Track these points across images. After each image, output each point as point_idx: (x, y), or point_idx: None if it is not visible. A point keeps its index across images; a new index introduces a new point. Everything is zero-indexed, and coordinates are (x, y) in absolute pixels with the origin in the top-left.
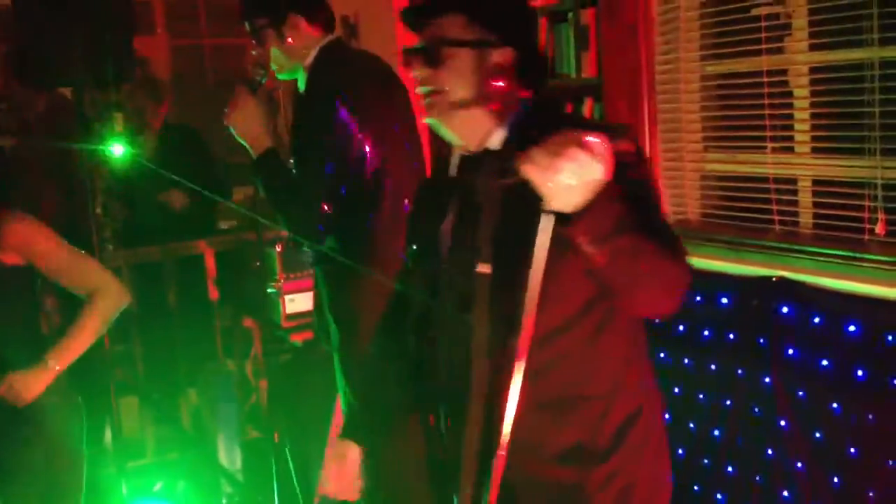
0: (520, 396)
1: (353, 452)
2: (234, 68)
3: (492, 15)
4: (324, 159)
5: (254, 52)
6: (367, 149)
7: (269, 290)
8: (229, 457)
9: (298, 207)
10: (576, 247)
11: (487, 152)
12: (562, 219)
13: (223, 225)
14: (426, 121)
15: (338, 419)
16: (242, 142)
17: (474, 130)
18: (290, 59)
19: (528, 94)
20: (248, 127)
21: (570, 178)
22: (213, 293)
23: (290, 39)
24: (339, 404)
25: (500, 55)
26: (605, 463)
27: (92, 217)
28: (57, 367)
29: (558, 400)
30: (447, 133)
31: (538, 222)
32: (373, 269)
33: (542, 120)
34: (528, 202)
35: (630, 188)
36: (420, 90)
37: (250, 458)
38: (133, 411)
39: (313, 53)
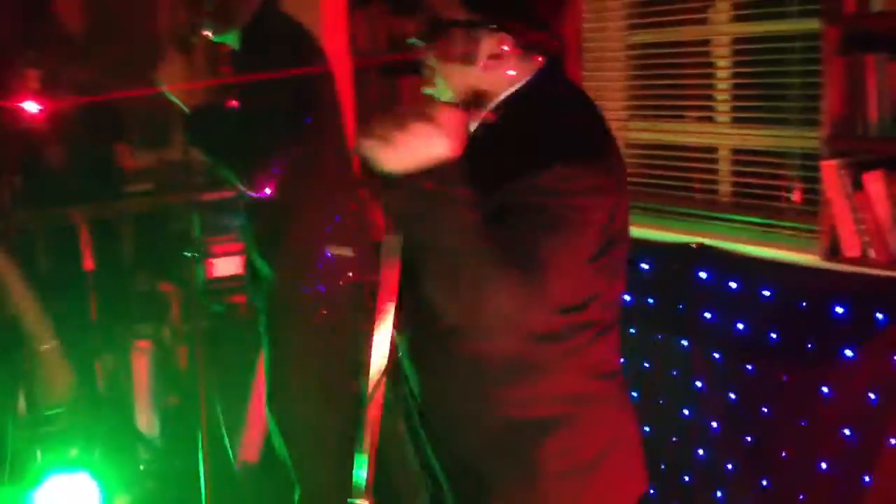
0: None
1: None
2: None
3: None
4: (279, 108)
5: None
6: (316, 101)
7: (189, 254)
8: (147, 423)
9: (244, 156)
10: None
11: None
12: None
13: (136, 188)
14: (425, 91)
15: (260, 384)
16: (174, 98)
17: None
18: (225, 16)
19: (532, 68)
20: (183, 86)
21: (408, 151)
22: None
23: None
24: (262, 369)
25: (494, 40)
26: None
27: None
28: None
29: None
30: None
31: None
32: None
33: (522, 116)
34: None
35: (521, 196)
36: (426, 85)
37: (169, 425)
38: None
39: (248, 11)
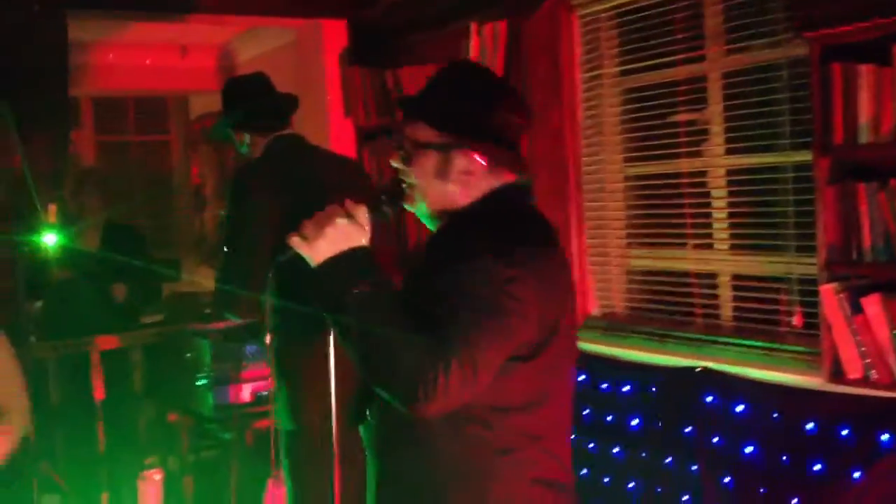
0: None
1: None
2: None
3: (452, 121)
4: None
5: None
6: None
7: (198, 382)
8: None
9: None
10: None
11: (432, 237)
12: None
13: (147, 320)
14: (406, 207)
15: None
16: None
17: (437, 219)
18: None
19: (499, 182)
20: None
21: (331, 241)
22: (138, 385)
23: (246, 147)
24: (269, 495)
25: (465, 156)
26: None
27: (21, 309)
28: None
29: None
30: (422, 218)
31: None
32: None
33: (477, 216)
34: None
35: (439, 277)
36: (397, 177)
37: None
38: None
39: (263, 146)
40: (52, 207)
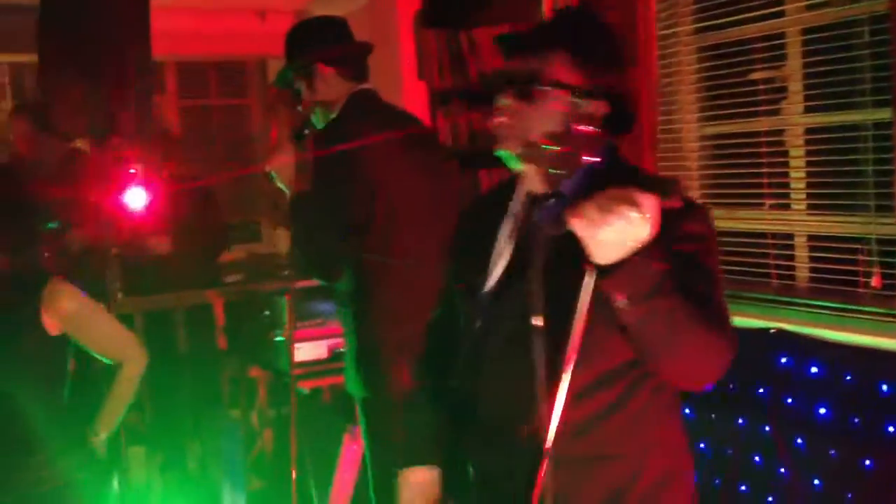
0: (554, 449)
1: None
2: (238, 128)
3: (598, 61)
4: (343, 206)
5: (299, 109)
6: (384, 199)
7: (277, 339)
8: None
9: (317, 246)
10: (611, 302)
11: (555, 196)
12: (602, 272)
13: (228, 279)
14: (496, 151)
15: (343, 464)
16: (282, 186)
17: (547, 172)
18: (324, 109)
19: (611, 142)
20: (289, 173)
21: (616, 234)
22: (221, 342)
23: (322, 88)
24: (345, 449)
25: (594, 105)
26: None
27: (108, 265)
28: (103, 435)
29: (591, 457)
30: (518, 167)
31: (583, 277)
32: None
33: (617, 172)
34: (577, 255)
35: (680, 248)
36: (499, 118)
37: None
38: (140, 460)
39: (343, 101)
40: (138, 168)
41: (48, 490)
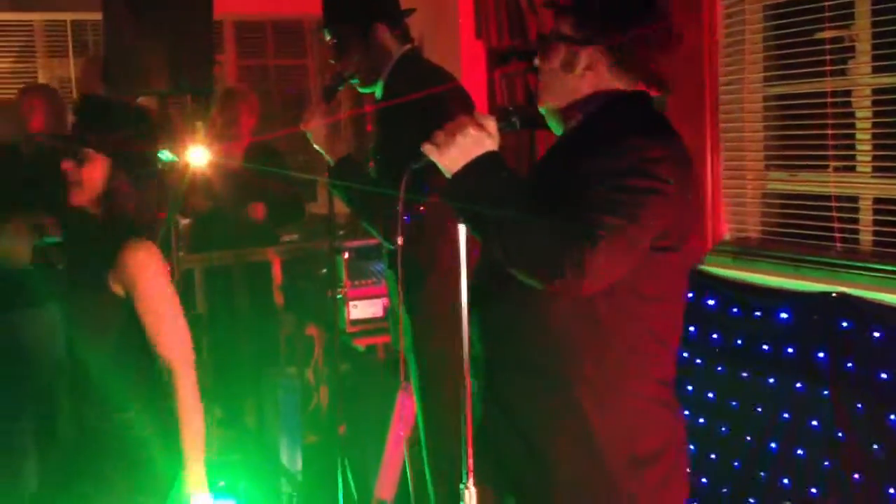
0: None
1: None
2: (297, 88)
3: (595, 17)
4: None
5: (332, 62)
6: None
7: (334, 296)
8: (290, 458)
9: (380, 208)
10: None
11: (562, 137)
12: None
13: (285, 238)
14: (539, 108)
15: (397, 419)
16: (319, 148)
17: (559, 118)
18: (372, 67)
19: (621, 86)
20: (322, 133)
21: (459, 149)
22: (279, 299)
23: (373, 48)
24: (399, 404)
25: (592, 54)
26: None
27: (171, 221)
28: (201, 458)
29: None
30: (551, 123)
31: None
32: (444, 270)
33: (616, 115)
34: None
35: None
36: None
37: (310, 461)
38: None
39: (392, 62)
40: (199, 125)
41: (132, 438)
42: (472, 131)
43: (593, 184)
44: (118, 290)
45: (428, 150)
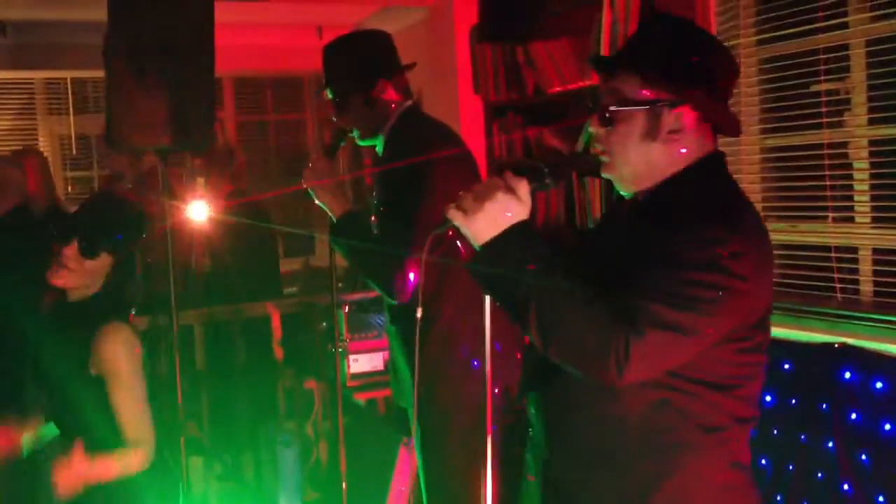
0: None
1: None
2: (295, 143)
3: (668, 73)
4: (411, 217)
5: (334, 119)
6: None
7: (334, 351)
8: None
9: (383, 265)
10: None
11: (632, 202)
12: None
13: (286, 290)
14: (603, 174)
15: (398, 475)
16: (322, 204)
17: (640, 185)
18: (374, 123)
19: (705, 147)
20: (325, 190)
21: (487, 217)
22: (279, 353)
23: (374, 104)
24: (401, 459)
25: (675, 115)
26: None
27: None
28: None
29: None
30: (620, 187)
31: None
32: (446, 327)
33: (695, 183)
34: None
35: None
36: (595, 146)
37: None
38: (198, 470)
39: (394, 118)
40: (200, 181)
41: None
42: (501, 195)
43: (659, 266)
44: (95, 371)
45: (453, 215)
